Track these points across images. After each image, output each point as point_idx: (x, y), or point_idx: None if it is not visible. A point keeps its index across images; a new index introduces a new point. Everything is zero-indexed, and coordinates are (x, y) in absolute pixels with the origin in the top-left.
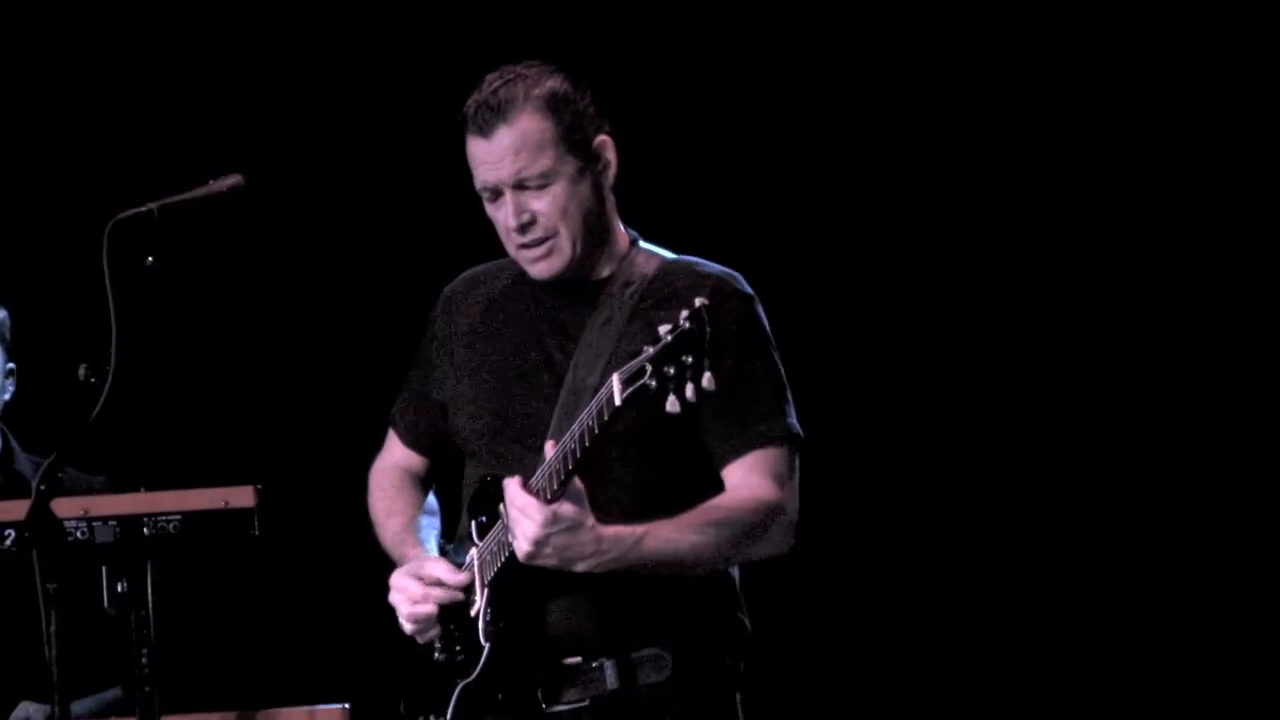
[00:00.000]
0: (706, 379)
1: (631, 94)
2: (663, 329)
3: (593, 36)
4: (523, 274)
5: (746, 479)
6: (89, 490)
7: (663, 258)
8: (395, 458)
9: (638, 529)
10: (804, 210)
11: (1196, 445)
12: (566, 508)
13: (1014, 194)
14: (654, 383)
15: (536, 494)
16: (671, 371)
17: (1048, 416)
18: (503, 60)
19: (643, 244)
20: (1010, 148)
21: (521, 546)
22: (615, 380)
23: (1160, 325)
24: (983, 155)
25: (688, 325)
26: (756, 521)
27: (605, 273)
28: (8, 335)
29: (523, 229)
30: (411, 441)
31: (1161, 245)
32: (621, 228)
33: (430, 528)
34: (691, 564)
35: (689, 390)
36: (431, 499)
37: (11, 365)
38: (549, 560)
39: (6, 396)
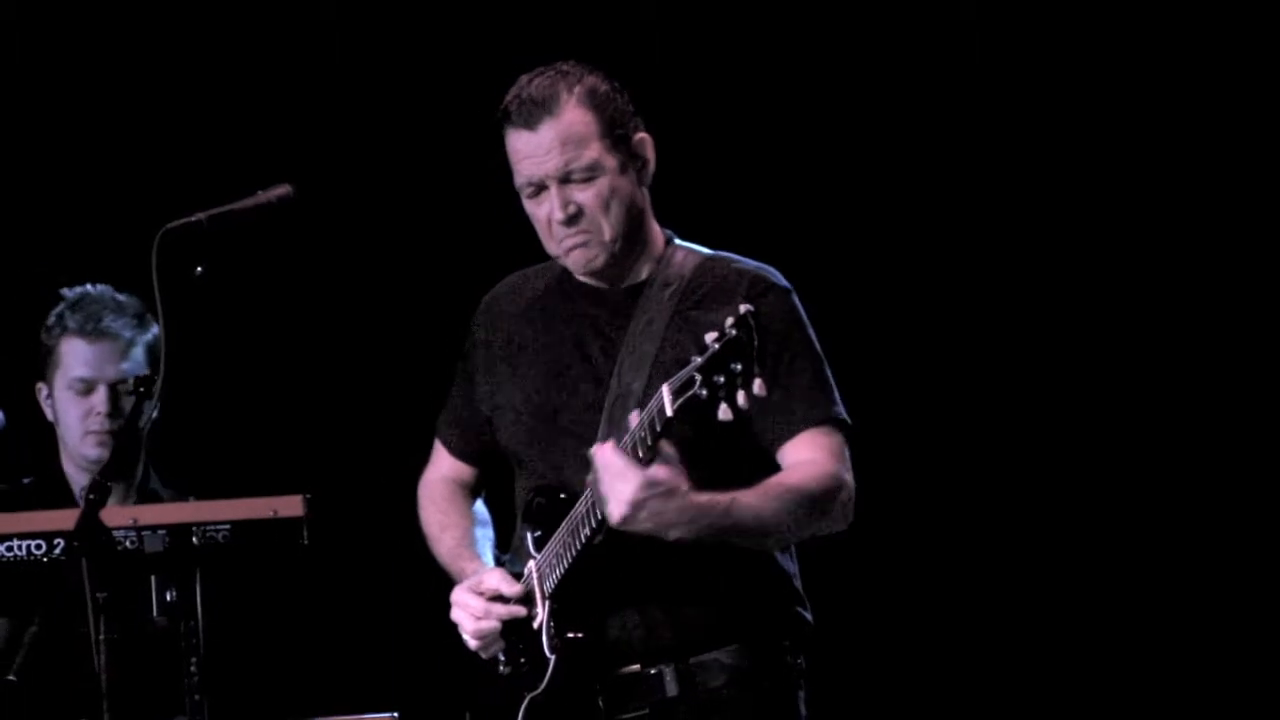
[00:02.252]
0: (758, 385)
1: (649, 96)
2: (709, 337)
3: (611, 38)
4: (561, 279)
5: (807, 454)
6: None
7: (700, 254)
8: (443, 469)
9: (725, 496)
10: (825, 207)
11: (1215, 440)
12: (664, 472)
13: (1023, 194)
14: (704, 392)
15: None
16: (721, 380)
17: (1075, 410)
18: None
19: (678, 241)
20: (1016, 146)
21: (617, 509)
22: (665, 391)
23: (1170, 323)
24: (989, 154)
25: (734, 332)
26: (825, 491)
27: (644, 274)
28: (160, 353)
29: (569, 221)
30: (458, 452)
31: (1170, 244)
32: (657, 227)
33: (485, 540)
34: (771, 532)
35: (740, 398)
36: (482, 508)
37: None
38: (643, 525)
39: (155, 414)
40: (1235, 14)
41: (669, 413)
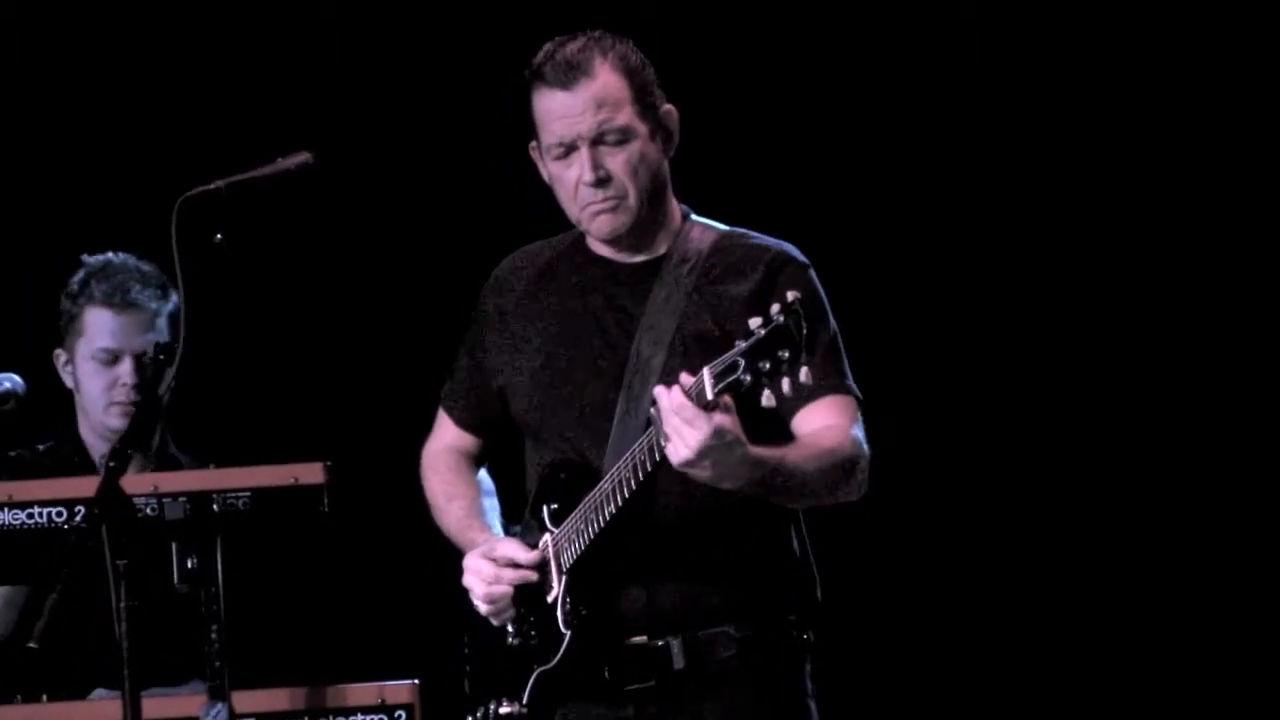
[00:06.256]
0: (804, 374)
1: (662, 74)
2: (754, 322)
3: (623, 16)
4: (574, 252)
5: (830, 419)
6: None
7: (717, 230)
8: (447, 439)
9: (777, 452)
10: (839, 188)
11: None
12: (730, 421)
13: (1036, 185)
14: (748, 377)
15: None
16: (766, 366)
17: (1084, 396)
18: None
19: (695, 217)
20: (1028, 134)
21: (681, 453)
22: (707, 374)
23: (1172, 316)
24: (1000, 142)
25: (781, 319)
26: (852, 456)
27: (662, 249)
28: (179, 322)
29: (599, 184)
30: (464, 423)
31: (1173, 238)
32: (675, 201)
33: (492, 510)
34: (807, 493)
35: (786, 385)
36: (486, 478)
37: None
38: (703, 473)
39: (173, 382)
40: (1235, 14)
41: (709, 396)
